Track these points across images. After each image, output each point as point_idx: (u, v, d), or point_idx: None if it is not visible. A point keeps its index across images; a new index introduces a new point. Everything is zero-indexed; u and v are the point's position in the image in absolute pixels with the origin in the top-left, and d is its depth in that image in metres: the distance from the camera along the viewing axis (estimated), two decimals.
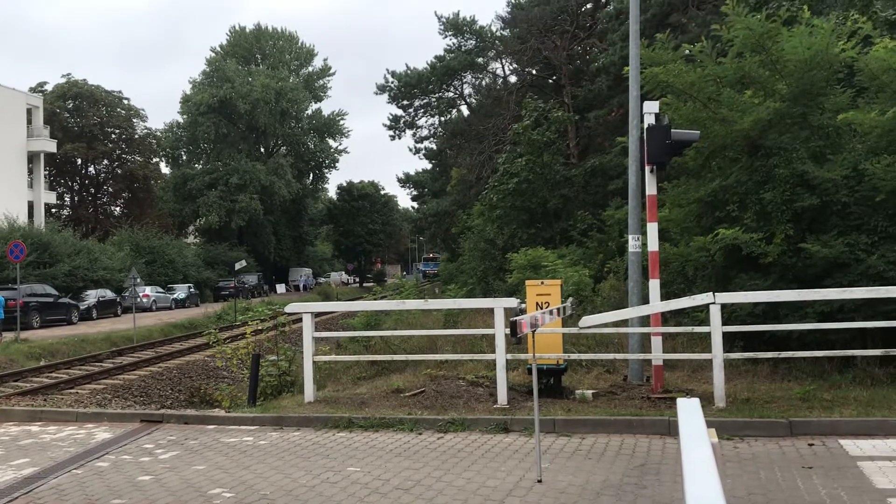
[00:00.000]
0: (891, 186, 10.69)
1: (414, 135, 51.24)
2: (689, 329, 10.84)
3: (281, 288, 70.20)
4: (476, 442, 8.31)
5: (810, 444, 7.70)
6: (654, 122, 10.16)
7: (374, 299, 29.85)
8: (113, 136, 65.00)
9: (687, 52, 13.14)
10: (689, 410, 3.09)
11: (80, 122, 62.45)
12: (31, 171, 53.81)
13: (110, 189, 68.17)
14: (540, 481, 6.60)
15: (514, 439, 8.38)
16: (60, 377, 19.54)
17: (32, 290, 31.90)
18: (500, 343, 9.86)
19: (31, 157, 53.50)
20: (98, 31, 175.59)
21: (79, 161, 64.06)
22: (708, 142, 12.42)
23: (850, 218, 11.32)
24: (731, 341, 10.97)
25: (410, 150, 54.62)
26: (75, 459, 8.20)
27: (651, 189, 10.41)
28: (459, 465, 7.33)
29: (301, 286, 71.97)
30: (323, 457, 7.89)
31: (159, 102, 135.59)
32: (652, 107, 10.32)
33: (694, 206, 13.36)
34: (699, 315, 12.01)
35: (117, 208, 69.23)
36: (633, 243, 11.09)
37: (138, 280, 29.78)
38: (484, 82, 47.07)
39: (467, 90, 48.13)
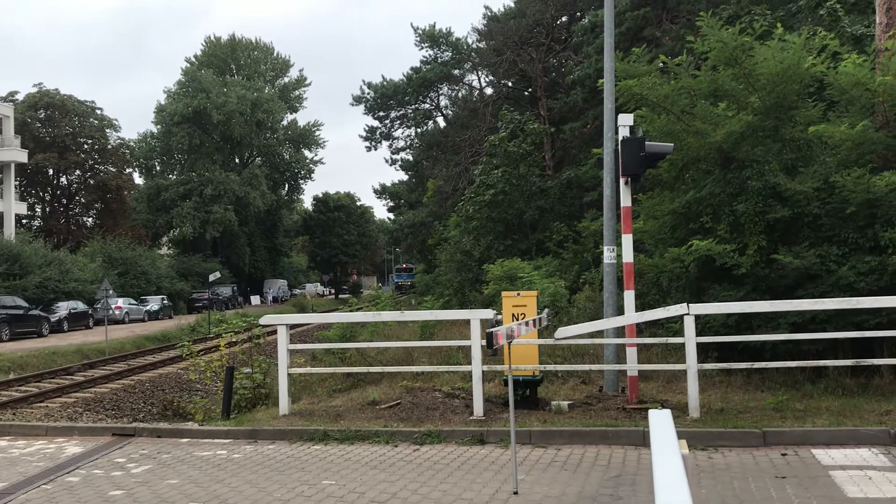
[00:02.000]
0: (861, 198, 10.84)
1: (390, 146, 51.43)
2: (663, 340, 10.91)
3: (256, 300, 69.73)
4: (452, 454, 8.29)
5: (783, 454, 7.76)
6: (628, 135, 10.24)
7: (350, 311, 29.73)
8: (85, 146, 64.33)
9: (662, 64, 13.27)
10: (660, 422, 3.10)
11: (52, 132, 61.74)
12: (1, 182, 53.07)
13: (82, 200, 67.44)
14: (516, 493, 6.59)
15: (490, 451, 8.37)
16: (30, 390, 19.24)
17: (2, 301, 31.47)
18: (477, 354, 9.86)
19: (2, 167, 52.78)
20: (58, 39, 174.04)
21: (50, 171, 63.32)
22: (682, 154, 12.55)
23: (822, 229, 11.47)
24: (705, 352, 11.05)
25: (387, 161, 54.65)
26: (45, 474, 8.06)
27: (626, 201, 10.48)
28: (435, 477, 7.30)
29: (271, 298, 71.24)
30: (298, 470, 7.83)
31: (123, 111, 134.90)
32: (626, 119, 10.41)
33: (668, 217, 13.47)
34: (674, 326, 12.08)
35: (90, 219, 68.46)
36: (608, 254, 11.16)
37: (111, 292, 29.44)
38: (460, 94, 47.32)
39: (444, 102, 48.41)
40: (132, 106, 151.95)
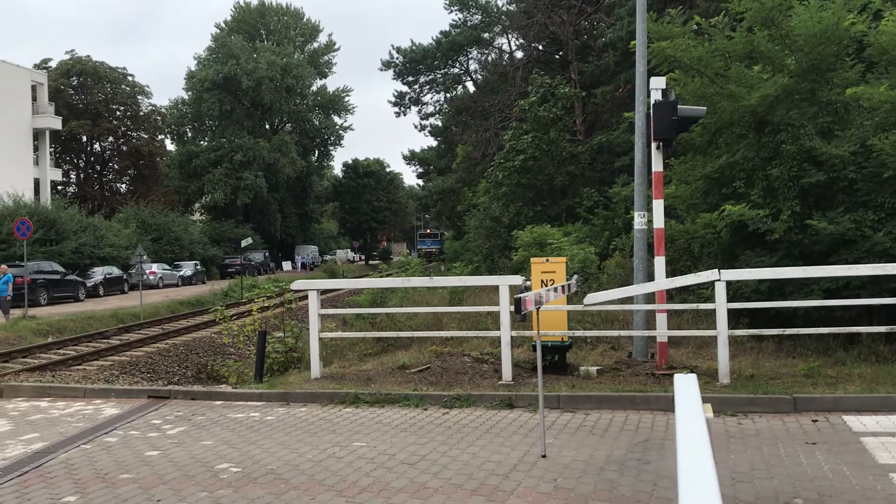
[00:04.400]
0: None
1: (419, 111, 51.18)
2: (694, 306, 10.84)
3: (287, 265, 70.31)
4: (481, 417, 8.36)
5: (814, 421, 7.72)
6: (660, 98, 10.07)
7: (380, 277, 29.91)
8: (118, 112, 64.90)
9: (696, 25, 13.02)
10: (685, 386, 3.10)
11: (85, 99, 62.37)
12: (36, 149, 53.85)
13: (116, 166, 68.20)
14: (544, 456, 6.64)
15: (518, 415, 8.43)
16: (68, 354, 19.68)
17: (39, 267, 32.05)
18: (505, 320, 9.89)
19: (37, 134, 53.52)
20: (68, 6, 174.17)
21: (84, 138, 64.04)
22: (715, 118, 12.36)
23: (857, 194, 11.27)
24: (736, 318, 10.98)
25: (416, 126, 54.40)
26: (84, 435, 8.27)
27: (657, 166, 10.36)
28: (464, 440, 7.37)
29: (300, 264, 71.30)
30: (329, 432, 7.95)
31: (144, 78, 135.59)
32: (659, 82, 10.23)
33: (700, 182, 13.31)
34: (704, 292, 12.01)
35: (123, 185, 69.30)
36: (638, 220, 11.06)
37: (145, 257, 29.87)
38: (490, 58, 46.85)
39: (473, 66, 47.96)
40: (153, 72, 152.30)
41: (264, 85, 66.70)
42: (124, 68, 65.51)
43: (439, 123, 52.07)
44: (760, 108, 11.68)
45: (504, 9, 42.81)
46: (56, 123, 54.57)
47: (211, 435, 8.04)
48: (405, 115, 50.92)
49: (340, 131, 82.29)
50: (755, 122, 12.10)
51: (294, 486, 6.12)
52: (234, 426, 8.43)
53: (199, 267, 50.61)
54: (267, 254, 65.37)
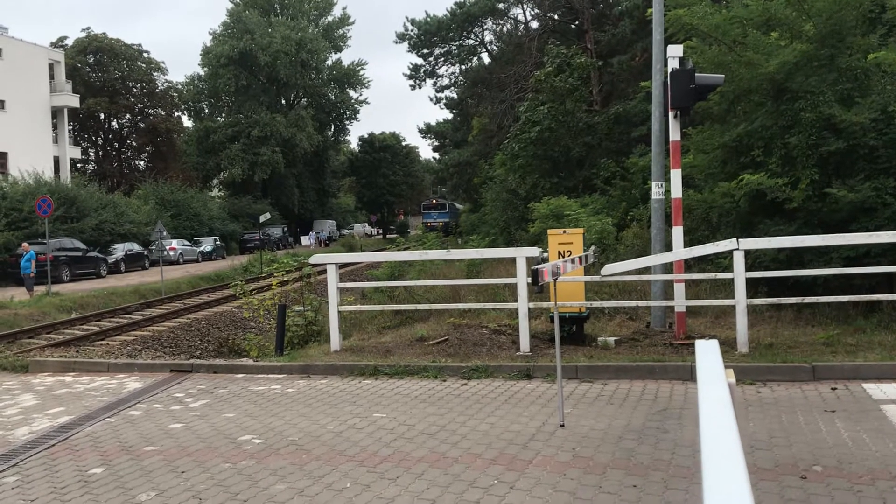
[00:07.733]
0: None
1: (434, 84, 50.85)
2: (712, 275, 10.79)
3: (305, 240, 70.50)
4: (499, 388, 8.42)
5: (833, 389, 7.71)
6: (677, 67, 9.97)
7: (398, 250, 29.97)
8: (135, 89, 65.17)
9: None
10: (707, 351, 3.11)
11: (102, 77, 62.61)
12: (55, 127, 54.18)
13: (134, 143, 68.57)
14: (562, 426, 6.69)
15: (536, 385, 8.48)
16: (91, 329, 19.94)
17: (61, 244, 32.38)
18: (523, 292, 9.91)
19: (55, 113, 53.82)
20: None
21: (102, 116, 64.37)
22: (733, 86, 12.23)
23: (878, 161, 11.15)
24: (754, 287, 10.94)
25: (431, 99, 54.29)
26: (109, 408, 8.41)
27: (675, 135, 10.29)
28: (483, 410, 7.44)
29: (314, 238, 70.81)
30: (349, 404, 8.04)
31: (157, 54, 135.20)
32: (676, 51, 10.13)
33: (718, 151, 13.21)
34: (723, 261, 11.98)
35: (141, 162, 69.72)
36: (656, 190, 11.01)
37: (164, 233, 30.08)
38: (505, 28, 46.35)
39: (488, 37, 47.48)
40: (162, 49, 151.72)
41: (279, 60, 66.55)
42: (139, 45, 65.67)
43: (455, 96, 51.77)
44: (779, 75, 11.55)
45: None
46: (74, 101, 54.84)
47: (233, 407, 8.15)
48: (420, 87, 50.99)
49: (356, 105, 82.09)
50: (773, 89, 11.97)
51: (316, 456, 6.22)
52: (256, 398, 8.55)
53: (218, 242, 50.93)
54: (285, 228, 65.61)
